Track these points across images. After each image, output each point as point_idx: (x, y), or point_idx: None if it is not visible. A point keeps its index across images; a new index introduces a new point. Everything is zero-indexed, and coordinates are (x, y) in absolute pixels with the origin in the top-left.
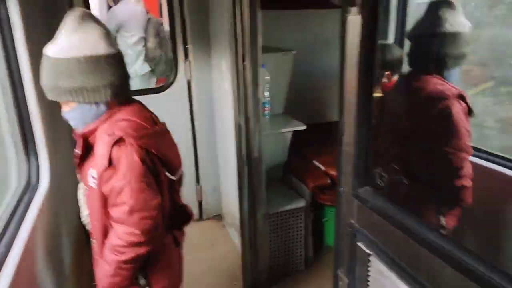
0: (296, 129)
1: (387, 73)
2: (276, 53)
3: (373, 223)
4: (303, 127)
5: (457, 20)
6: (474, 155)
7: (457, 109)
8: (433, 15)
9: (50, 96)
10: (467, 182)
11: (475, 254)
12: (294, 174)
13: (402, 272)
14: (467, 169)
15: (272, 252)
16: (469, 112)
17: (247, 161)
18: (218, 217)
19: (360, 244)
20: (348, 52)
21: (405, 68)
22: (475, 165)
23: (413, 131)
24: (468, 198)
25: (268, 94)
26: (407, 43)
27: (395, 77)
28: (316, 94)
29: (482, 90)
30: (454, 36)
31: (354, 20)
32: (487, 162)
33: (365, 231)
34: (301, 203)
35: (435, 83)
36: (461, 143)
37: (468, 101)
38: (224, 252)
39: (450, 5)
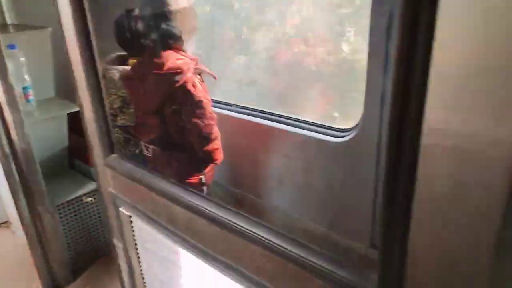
0: (69, 111)
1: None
2: (29, 31)
3: (127, 187)
4: (76, 109)
5: None
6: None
7: (195, 82)
8: None
9: None
10: (217, 144)
11: (220, 205)
12: (79, 157)
13: (161, 227)
14: (215, 133)
15: (71, 243)
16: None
17: (13, 155)
18: (7, 224)
19: (121, 209)
20: (64, 23)
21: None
22: (234, 119)
23: (162, 106)
24: (219, 156)
25: (28, 77)
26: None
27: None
28: None
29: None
30: (180, 12)
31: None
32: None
33: (121, 196)
34: (91, 186)
35: (175, 58)
36: (205, 112)
37: (206, 70)
38: (15, 260)
39: None
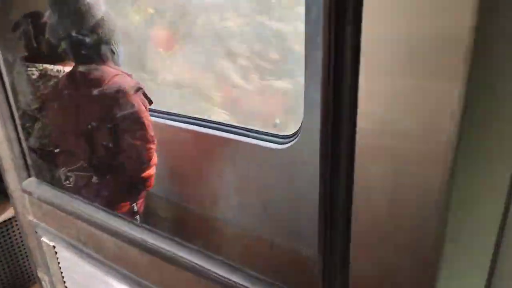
0: None
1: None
2: None
3: (49, 214)
4: None
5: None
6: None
7: (137, 103)
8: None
9: None
10: (154, 170)
11: (151, 230)
12: None
13: (89, 257)
14: (155, 159)
15: None
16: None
17: None
18: None
19: (43, 239)
20: None
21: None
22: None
23: (96, 127)
24: (153, 183)
25: None
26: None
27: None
28: None
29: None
30: (103, 19)
31: None
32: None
33: (43, 224)
34: (11, 212)
35: (112, 74)
36: (147, 135)
37: (145, 92)
38: None
39: None
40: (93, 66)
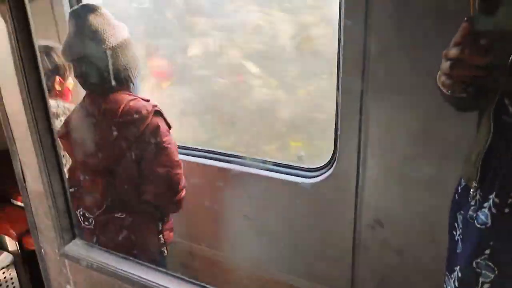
0: None
1: (58, 78)
2: None
3: (95, 284)
4: None
5: (116, 28)
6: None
7: (158, 125)
8: (87, 29)
9: None
10: (183, 193)
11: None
12: None
13: None
14: (184, 182)
15: None
16: (169, 127)
17: None
18: None
19: None
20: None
21: (88, 84)
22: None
23: (117, 159)
24: (182, 205)
25: None
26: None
27: (69, 82)
28: None
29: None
30: (121, 47)
31: None
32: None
33: None
34: (5, 261)
35: (128, 99)
36: (172, 160)
37: (165, 115)
38: None
39: (98, 13)
40: (106, 91)
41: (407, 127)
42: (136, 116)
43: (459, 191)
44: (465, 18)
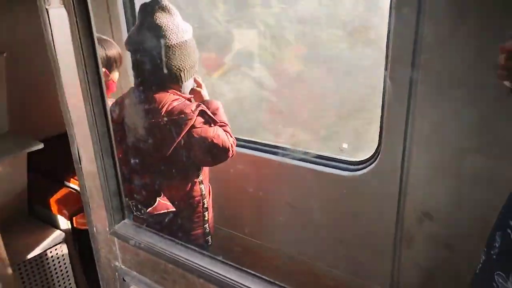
0: (28, 150)
1: (103, 70)
2: None
3: (142, 262)
4: (39, 146)
5: (180, 28)
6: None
7: (203, 126)
8: (151, 23)
9: None
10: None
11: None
12: (42, 204)
13: None
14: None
15: None
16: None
17: None
18: None
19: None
20: (60, 52)
21: (141, 77)
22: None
23: (165, 153)
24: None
25: None
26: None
27: (114, 75)
28: (48, 102)
29: (222, 74)
30: (180, 47)
31: (58, 13)
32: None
33: (134, 273)
34: (56, 236)
35: (171, 100)
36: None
37: (209, 112)
38: None
39: (166, 10)
40: (154, 87)
41: (459, 121)
42: (177, 114)
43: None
44: None
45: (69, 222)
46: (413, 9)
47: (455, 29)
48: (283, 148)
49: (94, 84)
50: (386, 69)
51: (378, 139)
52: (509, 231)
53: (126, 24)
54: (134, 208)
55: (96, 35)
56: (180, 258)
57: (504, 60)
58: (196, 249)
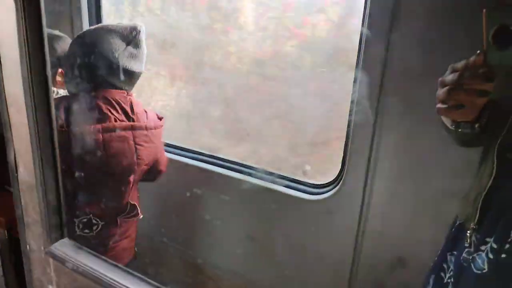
0: None
1: (60, 70)
2: None
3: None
4: None
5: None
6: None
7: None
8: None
9: None
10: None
11: None
12: None
13: None
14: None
15: None
16: None
17: None
18: None
19: None
20: (4, 44)
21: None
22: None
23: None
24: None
25: None
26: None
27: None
28: None
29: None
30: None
31: (4, 1)
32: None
33: None
34: None
35: (136, 102)
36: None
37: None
38: None
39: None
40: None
41: (417, 154)
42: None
43: (453, 229)
44: (478, 52)
45: (5, 231)
46: (381, 39)
47: (418, 61)
48: (244, 166)
49: (40, 85)
50: (353, 93)
51: (341, 163)
52: (442, 274)
53: (89, 18)
54: (82, 225)
55: (47, 30)
56: (122, 287)
57: (443, 94)
58: (142, 277)
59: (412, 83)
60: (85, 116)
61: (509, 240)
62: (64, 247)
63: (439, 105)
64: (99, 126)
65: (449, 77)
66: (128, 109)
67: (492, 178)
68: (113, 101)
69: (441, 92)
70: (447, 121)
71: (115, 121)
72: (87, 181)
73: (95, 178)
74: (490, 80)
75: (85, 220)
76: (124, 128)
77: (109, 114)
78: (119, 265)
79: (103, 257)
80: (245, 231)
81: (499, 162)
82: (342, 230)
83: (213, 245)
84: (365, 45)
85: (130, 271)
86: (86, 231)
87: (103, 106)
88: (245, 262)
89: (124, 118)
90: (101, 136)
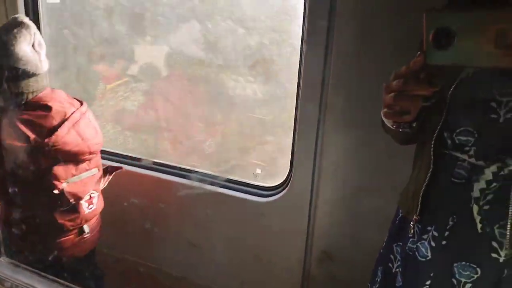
0: None
1: None
2: None
3: None
4: None
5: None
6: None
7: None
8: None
9: None
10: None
11: None
12: None
13: None
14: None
15: None
16: None
17: None
18: None
19: None
20: None
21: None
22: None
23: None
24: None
25: None
26: None
27: None
28: None
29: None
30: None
31: None
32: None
33: None
34: None
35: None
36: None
37: None
38: None
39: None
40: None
41: (359, 159)
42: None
43: (396, 222)
44: (418, 53)
45: None
46: (320, 50)
47: (357, 70)
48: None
49: None
50: (297, 100)
51: (289, 166)
52: (390, 265)
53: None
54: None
55: None
56: None
57: (389, 100)
58: None
59: (353, 89)
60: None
61: (448, 227)
62: (1, 267)
63: (385, 110)
64: None
65: (394, 83)
66: None
67: (430, 171)
68: None
69: (387, 98)
70: (388, 121)
71: None
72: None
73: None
74: (434, 85)
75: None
76: None
77: None
78: (60, 280)
79: (42, 273)
80: (190, 236)
81: (435, 157)
82: (293, 230)
83: (154, 249)
84: (305, 53)
85: (71, 285)
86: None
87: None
88: (192, 268)
89: None
90: None
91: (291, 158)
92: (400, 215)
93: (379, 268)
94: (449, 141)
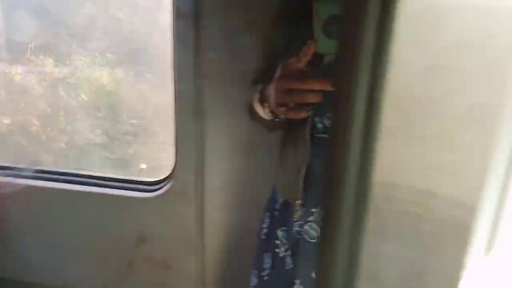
0: None
1: None
2: None
3: None
4: None
5: None
6: None
7: None
8: None
9: None
10: None
11: None
12: None
13: None
14: None
15: None
16: None
17: None
18: None
19: None
20: None
21: None
22: None
23: None
24: None
25: None
26: None
27: None
28: None
29: None
30: None
31: None
32: None
33: None
34: None
35: None
36: None
37: None
38: None
39: None
40: None
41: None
42: None
43: (277, 207)
44: (309, 42)
45: None
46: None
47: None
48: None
49: None
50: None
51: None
52: (277, 250)
53: None
54: None
55: None
56: None
57: (282, 98)
58: None
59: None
60: None
61: None
62: None
63: (280, 108)
64: None
65: (293, 84)
66: None
67: (309, 156)
68: None
69: (280, 95)
70: (264, 113)
71: None
72: None
73: None
74: (327, 80)
75: None
76: None
77: None
78: None
79: None
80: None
81: (312, 143)
82: (182, 224)
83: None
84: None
85: None
86: None
87: None
88: (78, 274)
89: None
90: None
91: (175, 148)
92: (282, 200)
93: (266, 254)
94: (320, 125)
